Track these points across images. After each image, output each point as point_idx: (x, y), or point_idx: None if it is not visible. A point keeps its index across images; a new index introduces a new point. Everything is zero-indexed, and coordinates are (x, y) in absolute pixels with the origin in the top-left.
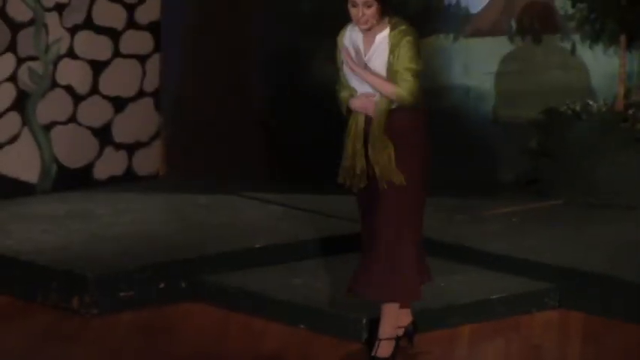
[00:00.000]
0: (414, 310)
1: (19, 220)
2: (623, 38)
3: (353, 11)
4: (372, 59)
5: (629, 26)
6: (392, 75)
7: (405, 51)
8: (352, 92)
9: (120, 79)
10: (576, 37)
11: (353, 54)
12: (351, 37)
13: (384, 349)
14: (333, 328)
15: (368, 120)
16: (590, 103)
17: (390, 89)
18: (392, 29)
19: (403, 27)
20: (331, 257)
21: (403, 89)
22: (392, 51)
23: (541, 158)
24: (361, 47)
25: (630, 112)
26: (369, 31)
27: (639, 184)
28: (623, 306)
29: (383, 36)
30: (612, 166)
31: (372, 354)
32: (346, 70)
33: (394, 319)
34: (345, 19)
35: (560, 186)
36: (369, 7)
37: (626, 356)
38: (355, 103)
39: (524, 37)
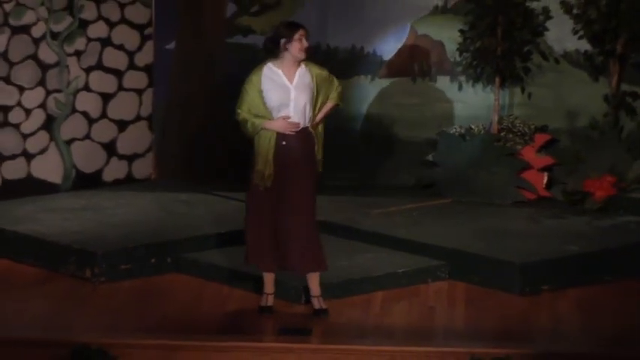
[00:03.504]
0: (337, 281)
1: (46, 211)
2: (497, 80)
3: (299, 45)
4: (299, 87)
5: (502, 71)
6: (318, 98)
7: (332, 78)
8: (268, 117)
9: (123, 106)
10: (462, 78)
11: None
12: (268, 74)
13: (323, 301)
14: (280, 293)
15: (280, 136)
16: (473, 127)
17: (330, 107)
18: (306, 66)
19: (314, 63)
20: None
21: (340, 97)
22: (317, 82)
23: (435, 168)
24: (284, 79)
25: (502, 134)
26: (291, 67)
27: (508, 188)
28: (498, 278)
29: (303, 70)
30: (489, 174)
31: (319, 307)
32: (271, 103)
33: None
34: None
35: (450, 189)
36: (307, 39)
37: (499, 317)
38: (274, 125)
39: (423, 78)
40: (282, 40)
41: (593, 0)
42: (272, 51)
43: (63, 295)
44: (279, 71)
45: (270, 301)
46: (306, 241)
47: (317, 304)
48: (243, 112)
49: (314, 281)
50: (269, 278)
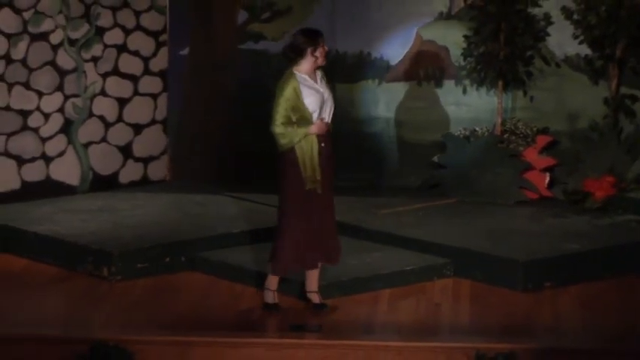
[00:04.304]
0: (346, 279)
1: (64, 212)
2: (500, 83)
3: (323, 52)
4: (325, 89)
5: (505, 75)
6: None
7: None
8: (311, 121)
9: (138, 110)
10: (467, 82)
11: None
12: (301, 81)
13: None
14: (288, 289)
15: (319, 138)
16: (477, 129)
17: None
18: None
19: None
20: None
21: None
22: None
23: (441, 169)
24: (314, 83)
25: (505, 136)
26: (312, 72)
27: (511, 188)
28: (501, 276)
29: (320, 73)
30: (492, 175)
31: (320, 302)
32: (312, 107)
33: None
34: None
35: (455, 189)
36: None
37: (503, 313)
38: (315, 129)
39: (429, 82)
40: (310, 48)
41: (593, 6)
42: (293, 59)
43: (81, 293)
44: (306, 77)
45: (277, 297)
46: (337, 234)
47: (318, 299)
48: (282, 125)
49: (316, 276)
50: (278, 276)
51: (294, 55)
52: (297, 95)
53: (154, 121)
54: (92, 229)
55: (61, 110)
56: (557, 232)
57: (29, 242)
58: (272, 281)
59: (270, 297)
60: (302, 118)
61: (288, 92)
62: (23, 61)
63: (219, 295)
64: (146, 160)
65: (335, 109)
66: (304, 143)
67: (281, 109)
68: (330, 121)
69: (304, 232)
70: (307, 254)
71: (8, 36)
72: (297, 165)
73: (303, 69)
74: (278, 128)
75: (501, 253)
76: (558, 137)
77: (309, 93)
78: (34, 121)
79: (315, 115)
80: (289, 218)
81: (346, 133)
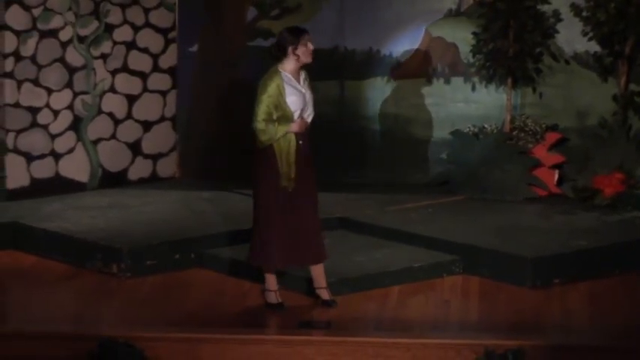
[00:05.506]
0: (355, 276)
1: (74, 209)
2: (509, 80)
3: (307, 49)
4: (307, 89)
5: (514, 72)
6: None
7: None
8: (292, 120)
9: (147, 107)
10: (476, 79)
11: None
12: (285, 79)
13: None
14: (299, 285)
15: (297, 136)
16: (486, 126)
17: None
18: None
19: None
20: None
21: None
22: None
23: (450, 166)
24: (296, 83)
25: (514, 133)
26: (296, 71)
27: (520, 185)
28: (510, 272)
29: (304, 73)
30: (501, 172)
31: (329, 298)
32: (294, 107)
33: None
34: None
35: (464, 186)
36: (312, 43)
37: (512, 310)
38: (295, 127)
39: (438, 79)
40: (290, 47)
41: (602, 3)
42: (278, 57)
43: (90, 290)
44: (290, 76)
45: (279, 297)
46: (319, 233)
47: (327, 295)
48: (263, 121)
49: (321, 272)
50: (274, 275)
51: (278, 53)
52: (280, 93)
53: (163, 118)
54: (101, 225)
55: (70, 107)
56: (565, 229)
57: (38, 239)
58: (270, 282)
59: (273, 297)
60: (283, 116)
61: (271, 89)
62: (32, 58)
63: (228, 292)
64: (155, 157)
65: (344, 106)
66: (282, 140)
67: (263, 106)
68: (309, 122)
69: (278, 230)
70: (285, 252)
71: (17, 33)
72: (274, 161)
73: (287, 68)
74: (259, 124)
75: (510, 250)
76: (567, 134)
77: (292, 92)
78: (43, 118)
79: (296, 115)
80: (264, 214)
81: (355, 130)
